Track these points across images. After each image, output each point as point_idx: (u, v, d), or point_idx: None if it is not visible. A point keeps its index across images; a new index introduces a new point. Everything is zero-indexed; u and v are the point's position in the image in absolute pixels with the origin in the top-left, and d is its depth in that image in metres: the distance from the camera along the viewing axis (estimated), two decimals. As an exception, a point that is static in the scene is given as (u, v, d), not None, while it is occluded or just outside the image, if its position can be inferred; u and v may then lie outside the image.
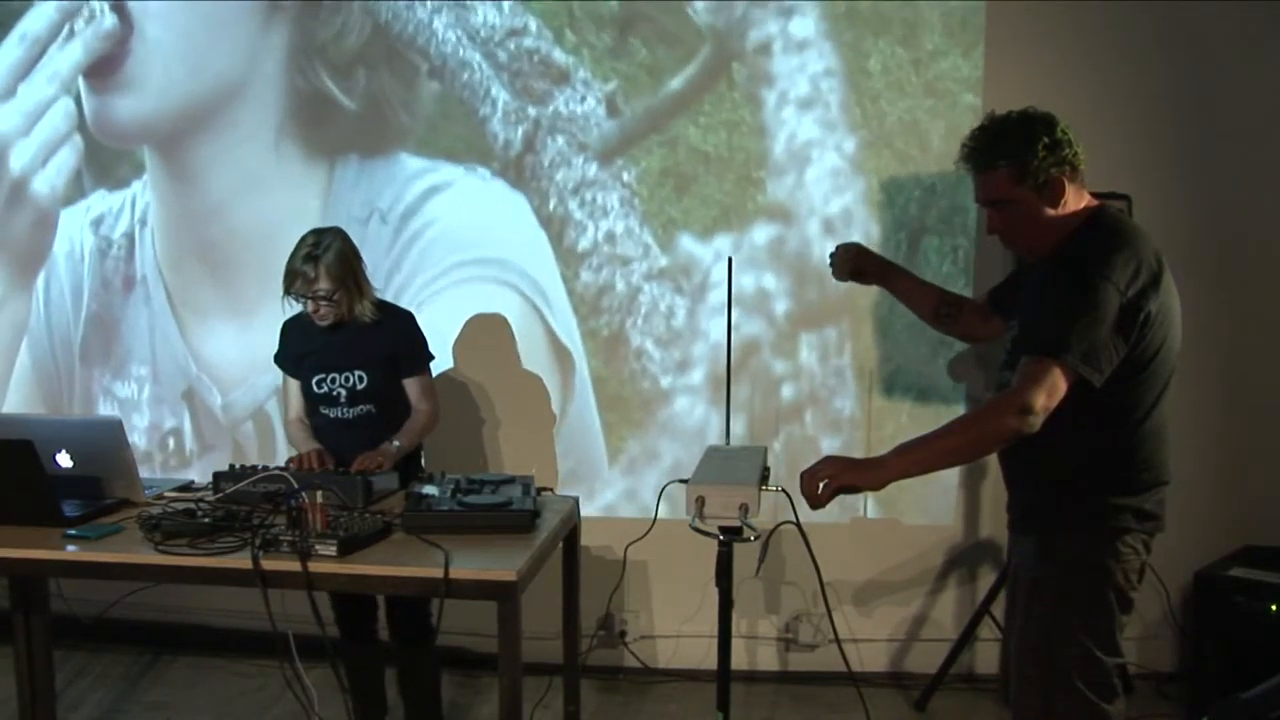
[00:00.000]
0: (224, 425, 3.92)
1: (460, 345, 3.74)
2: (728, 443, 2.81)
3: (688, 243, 3.64)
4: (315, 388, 2.97)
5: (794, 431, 3.67)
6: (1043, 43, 3.44)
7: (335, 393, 2.95)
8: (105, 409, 3.98)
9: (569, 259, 3.68)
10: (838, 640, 2.43)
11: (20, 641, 2.95)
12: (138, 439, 3.93)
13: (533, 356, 3.73)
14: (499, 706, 2.28)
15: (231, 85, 3.76)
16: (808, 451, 3.61)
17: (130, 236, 3.92)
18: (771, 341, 3.65)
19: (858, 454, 3.53)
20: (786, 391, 3.66)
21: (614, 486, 3.74)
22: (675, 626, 3.73)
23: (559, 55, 3.61)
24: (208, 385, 3.91)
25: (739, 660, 3.58)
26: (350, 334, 2.93)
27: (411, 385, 3.02)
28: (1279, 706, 1.53)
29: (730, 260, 2.98)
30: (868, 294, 3.50)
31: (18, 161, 3.92)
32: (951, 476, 3.64)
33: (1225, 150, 3.45)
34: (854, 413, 3.64)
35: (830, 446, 3.63)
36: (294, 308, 2.94)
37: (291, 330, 3.05)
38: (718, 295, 3.58)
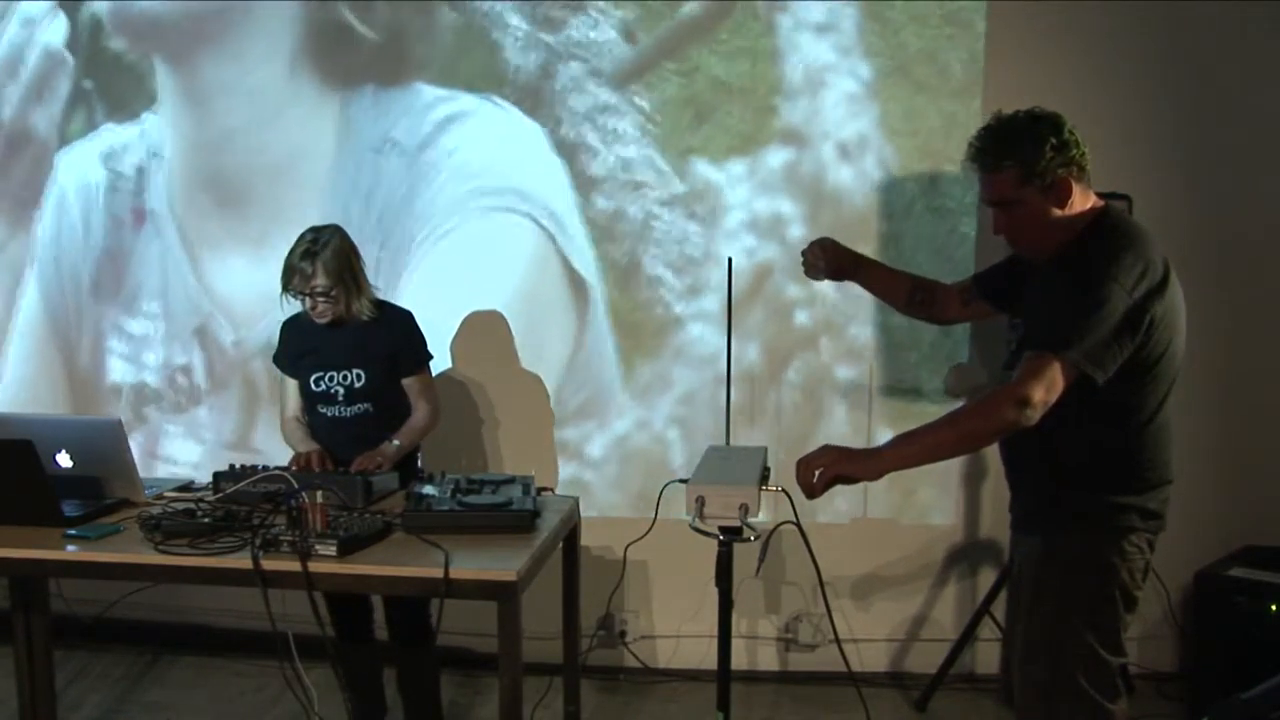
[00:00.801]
0: (235, 361, 3.90)
1: (459, 344, 3.74)
2: (728, 443, 2.80)
3: (702, 167, 3.62)
4: (313, 386, 2.97)
5: (810, 360, 3.64)
6: (1043, 43, 3.44)
7: (333, 391, 2.95)
8: (117, 345, 3.97)
9: (583, 185, 3.67)
10: (838, 640, 2.43)
11: (20, 641, 2.95)
12: (149, 376, 3.95)
13: (549, 287, 3.71)
14: (499, 706, 2.28)
15: (246, 4, 3.73)
16: (824, 382, 3.63)
17: (141, 170, 3.90)
18: (785, 266, 3.61)
19: (864, 423, 3.54)
20: (800, 317, 3.65)
21: (627, 415, 3.73)
22: (675, 626, 3.73)
23: None
24: (220, 321, 3.89)
25: (739, 660, 3.58)
26: (348, 332, 2.93)
27: (411, 385, 3.02)
28: (1279, 706, 1.53)
29: (730, 261, 2.97)
30: (887, 219, 3.54)
31: (8, 104, 3.91)
32: (952, 476, 3.64)
33: (1225, 150, 3.45)
34: (870, 340, 3.62)
35: (845, 376, 3.63)
36: (292, 306, 2.93)
37: (290, 330, 3.05)
38: (732, 219, 3.61)
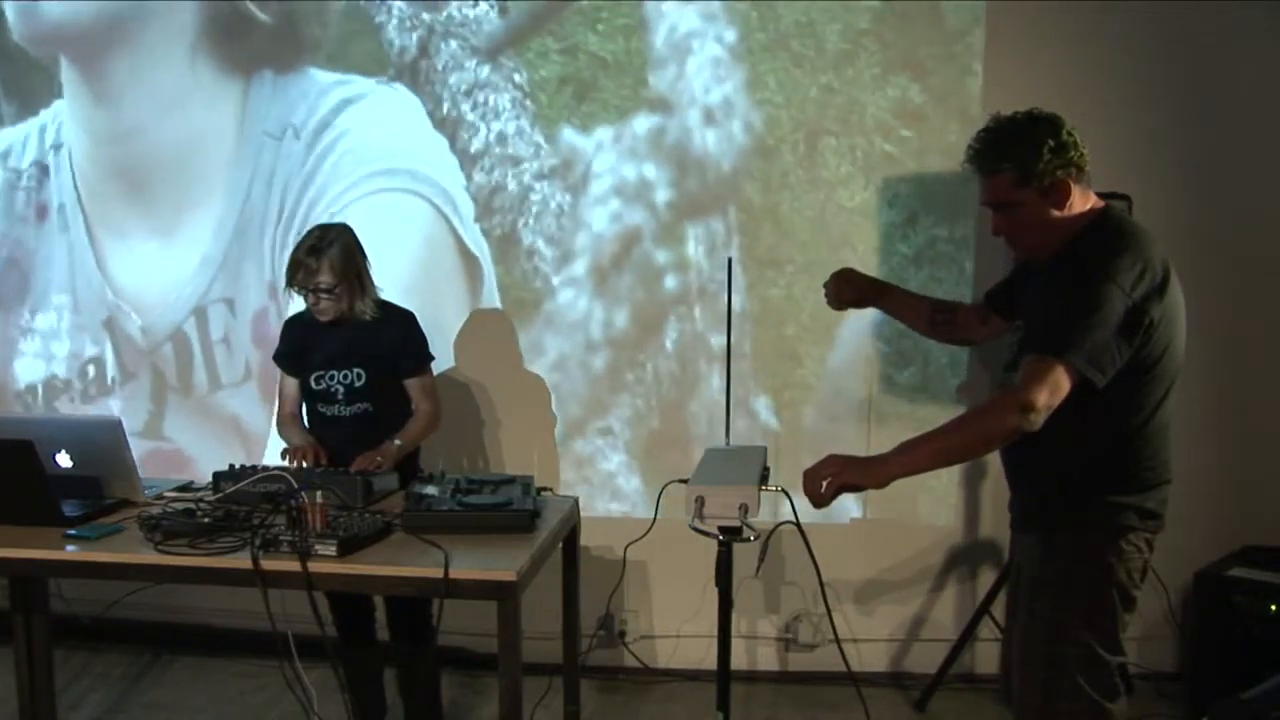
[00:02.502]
0: (143, 349, 3.93)
1: (462, 343, 3.74)
2: (728, 443, 2.80)
3: (569, 135, 3.65)
4: (314, 384, 2.97)
5: (685, 328, 3.66)
6: (1043, 43, 3.44)
7: (333, 390, 2.95)
8: (26, 346, 4.01)
9: (465, 162, 3.71)
10: (837, 640, 2.43)
11: (20, 641, 2.95)
12: (58, 368, 3.99)
13: (443, 264, 3.75)
14: (499, 706, 2.28)
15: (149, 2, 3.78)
16: (700, 350, 3.64)
17: (41, 165, 3.94)
18: (654, 232, 3.65)
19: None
20: (670, 283, 3.67)
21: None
22: (675, 626, 3.73)
23: None
24: (126, 310, 3.93)
25: (739, 660, 3.58)
26: (350, 332, 2.93)
27: (413, 385, 3.02)
28: (1279, 706, 1.53)
29: (730, 261, 2.97)
30: (757, 187, 3.57)
31: None
32: (952, 476, 3.64)
33: (1225, 150, 3.45)
34: (746, 308, 3.63)
35: (719, 344, 3.63)
36: (295, 302, 2.93)
37: (293, 327, 3.06)
38: (599, 185, 3.65)
